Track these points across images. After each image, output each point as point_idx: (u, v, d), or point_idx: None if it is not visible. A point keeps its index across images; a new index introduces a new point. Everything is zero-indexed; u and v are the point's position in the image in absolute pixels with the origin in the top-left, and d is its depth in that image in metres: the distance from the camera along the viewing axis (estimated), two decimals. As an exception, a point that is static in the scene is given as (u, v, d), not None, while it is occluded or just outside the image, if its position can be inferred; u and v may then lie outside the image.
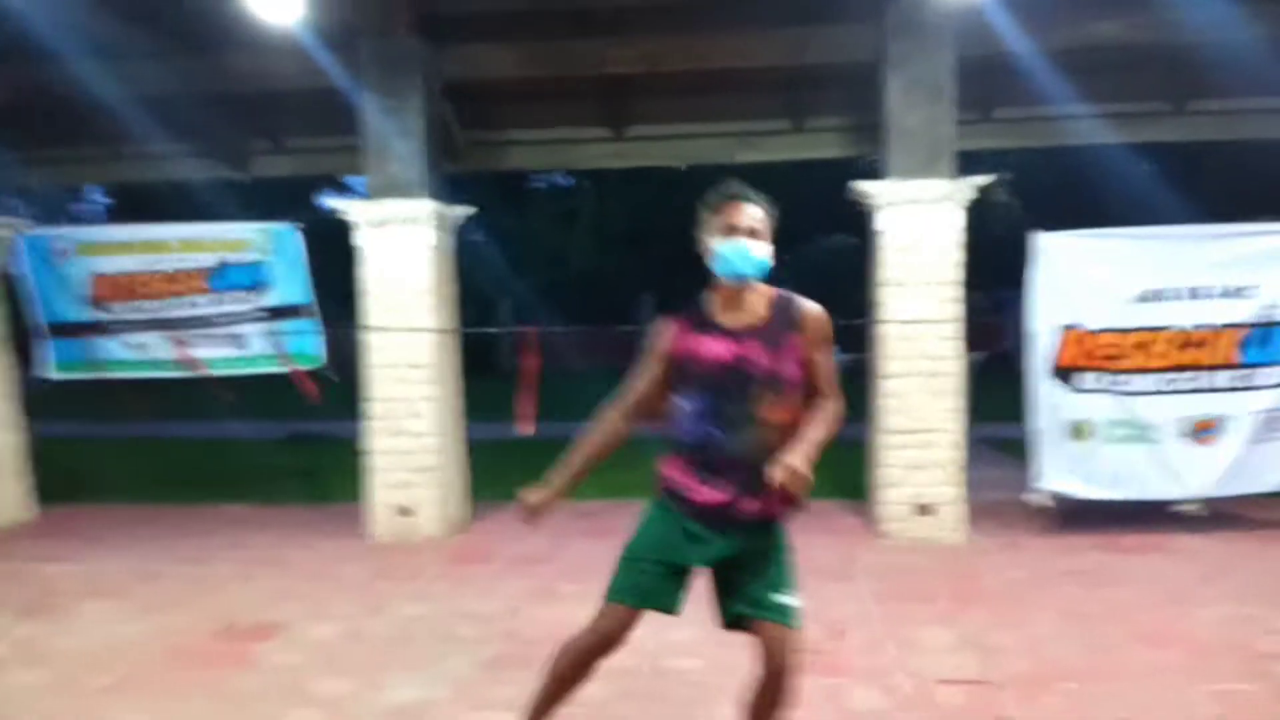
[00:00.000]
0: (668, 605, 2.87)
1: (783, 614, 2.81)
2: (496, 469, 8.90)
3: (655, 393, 2.93)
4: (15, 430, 7.61)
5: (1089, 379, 6.42)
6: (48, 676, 4.30)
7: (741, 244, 2.75)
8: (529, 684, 4.01)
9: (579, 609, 4.96)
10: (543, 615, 4.98)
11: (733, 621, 2.88)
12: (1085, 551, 6.09)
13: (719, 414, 2.77)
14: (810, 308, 2.83)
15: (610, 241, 24.06)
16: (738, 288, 2.80)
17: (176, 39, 6.81)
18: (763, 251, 2.78)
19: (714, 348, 2.79)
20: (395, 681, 4.13)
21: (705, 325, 2.84)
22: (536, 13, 6.91)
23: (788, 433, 2.74)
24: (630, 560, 2.88)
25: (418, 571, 5.97)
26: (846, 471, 8.24)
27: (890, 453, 6.44)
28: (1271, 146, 9.60)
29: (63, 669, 4.38)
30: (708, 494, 2.80)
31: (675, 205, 24.78)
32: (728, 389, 2.76)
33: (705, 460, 2.80)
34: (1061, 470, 6.47)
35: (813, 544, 6.23)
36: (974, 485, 6.73)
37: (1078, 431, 6.46)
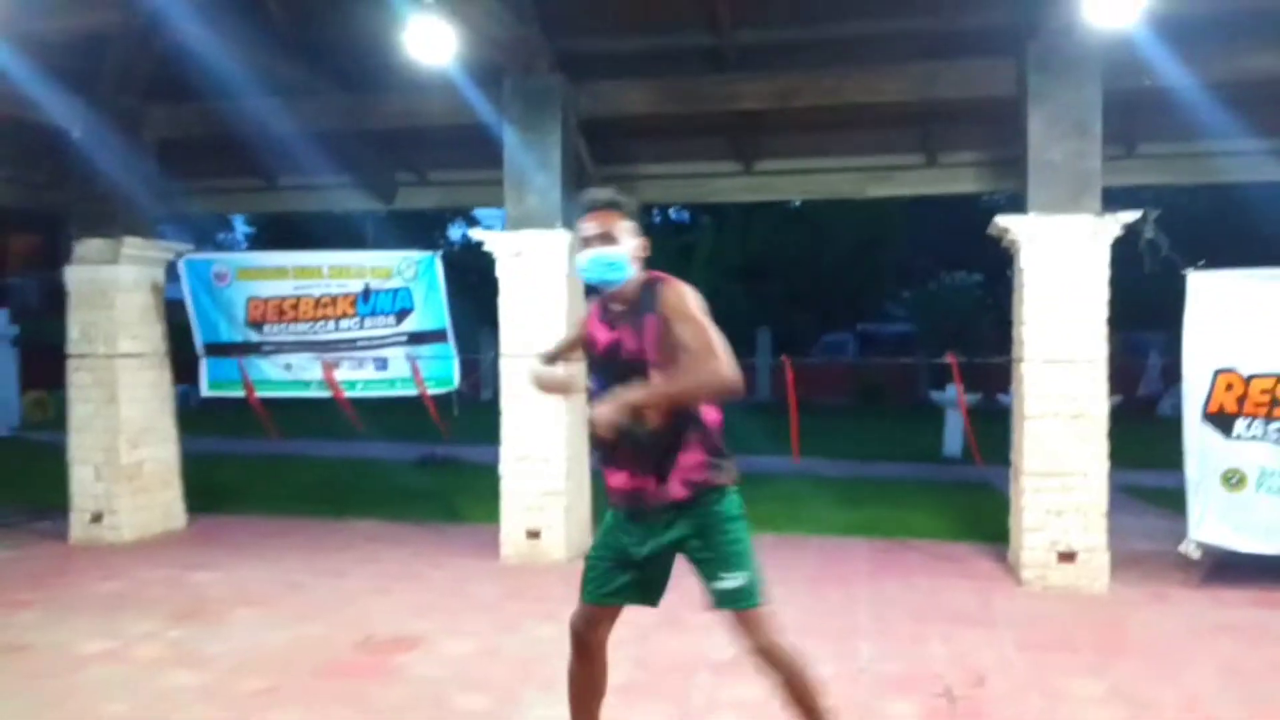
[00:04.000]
0: (629, 597, 3.09)
1: (732, 599, 2.93)
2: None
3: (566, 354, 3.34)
4: (172, 443, 8.07)
5: (1242, 426, 6.11)
6: (202, 679, 4.51)
7: (590, 255, 2.95)
8: (657, 709, 4.06)
9: (707, 638, 5.00)
10: (670, 643, 4.98)
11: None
12: (1240, 606, 5.76)
13: (608, 395, 2.89)
14: (667, 288, 2.91)
15: (727, 276, 24.11)
16: (612, 291, 3.00)
17: (333, 78, 7.21)
18: (619, 253, 2.94)
19: (601, 334, 3.05)
20: (532, 700, 4.20)
21: (604, 310, 3.09)
22: (669, 50, 7.09)
23: (664, 412, 2.83)
24: (587, 561, 3.16)
25: (546, 593, 6.05)
26: (981, 513, 8.05)
27: (1030, 496, 6.23)
28: None
29: (216, 673, 4.59)
30: (613, 477, 3.02)
31: (792, 240, 24.74)
32: (610, 373, 2.96)
33: (601, 440, 2.94)
34: (1214, 520, 6.14)
35: (950, 588, 6.14)
36: (1115, 534, 6.46)
37: (1230, 481, 6.14)
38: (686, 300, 2.87)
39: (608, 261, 2.94)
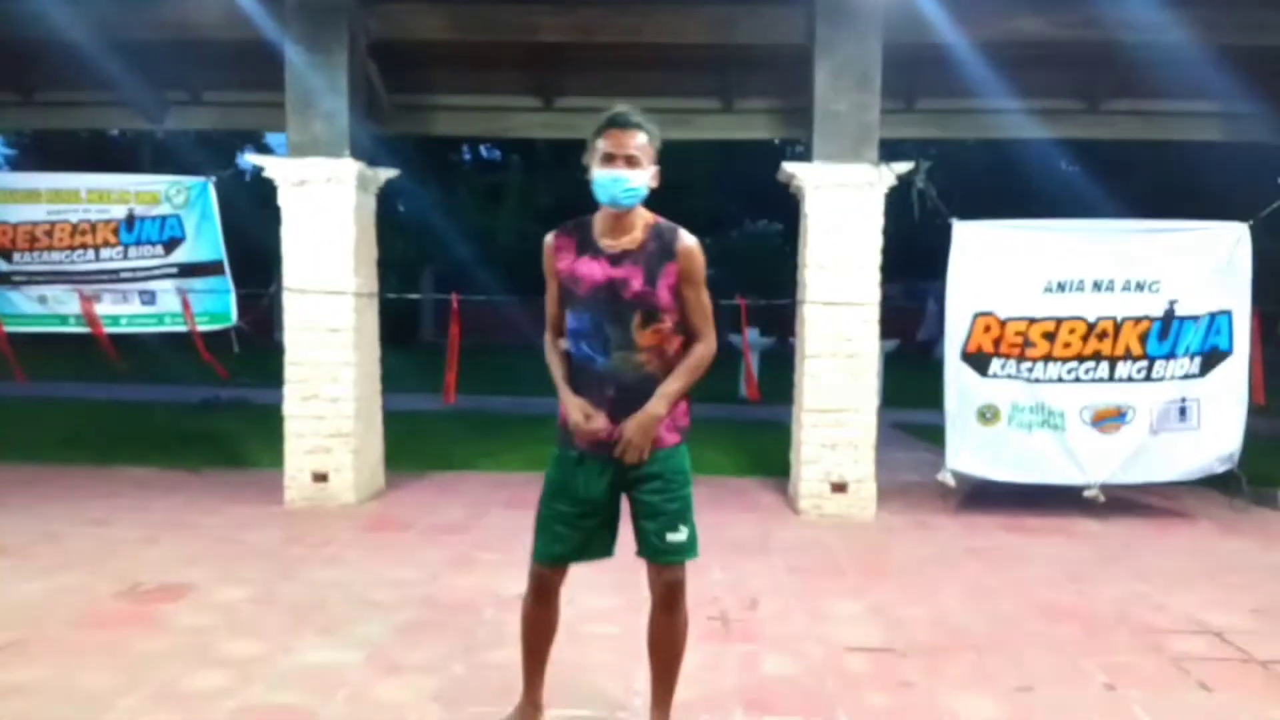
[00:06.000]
0: (592, 553, 2.98)
1: (677, 554, 2.92)
2: (412, 439, 8.82)
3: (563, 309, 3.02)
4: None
5: (997, 365, 6.62)
6: (-64, 635, 4.12)
7: (616, 173, 2.78)
8: (444, 649, 4.03)
9: (496, 576, 4.99)
10: (460, 582, 4.96)
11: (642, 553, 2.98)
12: (990, 531, 6.31)
13: (595, 334, 2.88)
14: (686, 240, 2.89)
15: (537, 217, 23.89)
16: (618, 212, 2.87)
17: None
18: (640, 180, 2.81)
19: (592, 269, 2.88)
20: (306, 645, 4.06)
21: (586, 246, 2.92)
22: (468, -26, 6.83)
23: (659, 356, 2.88)
24: (542, 519, 2.99)
25: (332, 538, 5.87)
26: (770, 450, 8.40)
27: (807, 431, 6.56)
28: (1191, 148, 10.03)
29: (-43, 627, 4.21)
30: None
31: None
32: (603, 310, 2.86)
33: (585, 381, 2.92)
34: (969, 452, 6.67)
35: (733, 520, 6.39)
36: (885, 466, 6.90)
37: (985, 416, 6.66)
38: (701, 265, 2.91)
39: (627, 187, 2.79)
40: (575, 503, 2.93)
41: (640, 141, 2.80)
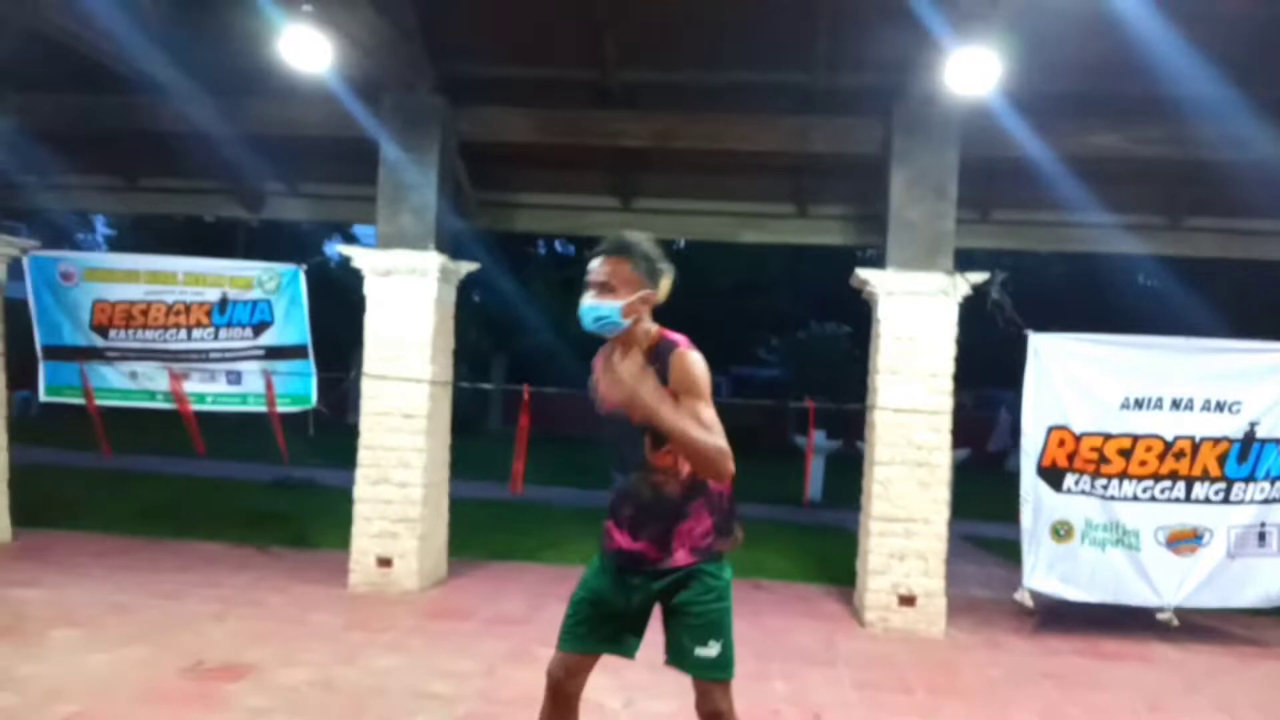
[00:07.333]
0: (611, 648, 2.95)
1: (705, 669, 2.83)
2: (476, 528, 8.86)
3: None
4: (1, 450, 7.55)
5: (1072, 480, 6.47)
6: (8, 702, 4.20)
7: (585, 302, 2.82)
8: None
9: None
10: (518, 676, 4.92)
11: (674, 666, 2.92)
12: (1065, 654, 6.06)
13: (615, 453, 2.89)
14: (677, 358, 2.74)
15: (609, 311, 24.24)
16: (618, 336, 2.84)
17: (205, 78, 6.95)
18: (605, 306, 2.78)
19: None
20: (364, 732, 4.06)
21: (608, 366, 2.85)
22: (554, 82, 7.13)
23: (674, 477, 2.81)
24: (570, 607, 2.99)
25: (393, 624, 5.89)
26: (835, 556, 8.25)
27: (875, 540, 6.43)
28: (1271, 267, 9.83)
29: (25, 696, 4.29)
30: (616, 535, 2.93)
31: (675, 281, 25.08)
32: (619, 430, 2.81)
33: (614, 500, 2.94)
34: (1043, 570, 6.47)
35: (796, 628, 6.25)
36: (954, 580, 6.72)
37: (1059, 532, 6.48)
38: (694, 374, 2.72)
39: (596, 315, 2.79)
40: (603, 604, 2.92)
41: (621, 270, 2.79)
